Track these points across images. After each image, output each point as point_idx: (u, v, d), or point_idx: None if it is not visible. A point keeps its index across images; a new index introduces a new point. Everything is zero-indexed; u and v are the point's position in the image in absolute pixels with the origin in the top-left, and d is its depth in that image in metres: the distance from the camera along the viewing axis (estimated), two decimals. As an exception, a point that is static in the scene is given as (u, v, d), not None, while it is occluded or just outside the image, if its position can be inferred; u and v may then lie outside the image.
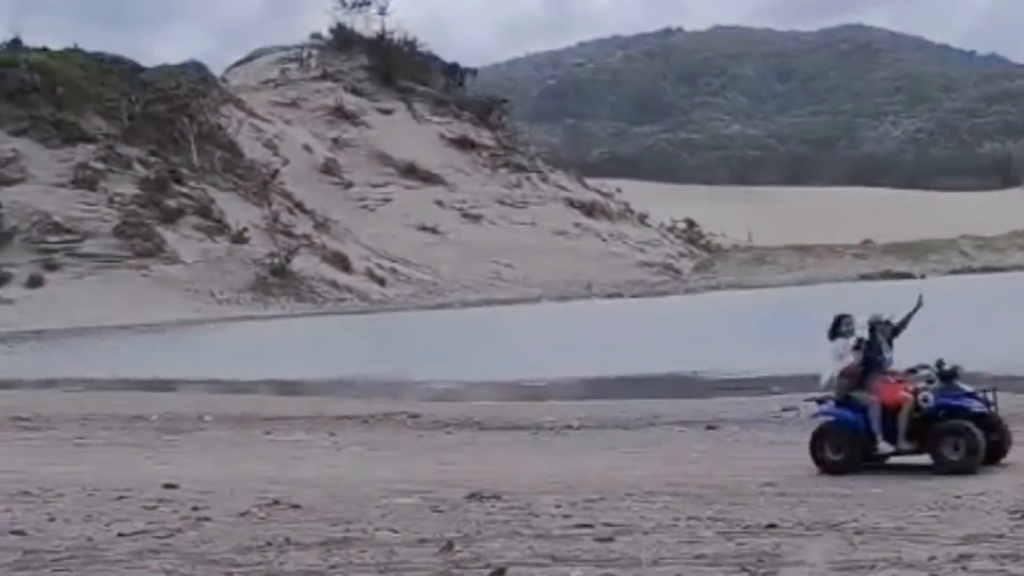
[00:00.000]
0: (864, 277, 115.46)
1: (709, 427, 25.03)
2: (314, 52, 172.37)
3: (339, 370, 47.84)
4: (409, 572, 11.04)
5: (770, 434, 23.73)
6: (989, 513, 12.89)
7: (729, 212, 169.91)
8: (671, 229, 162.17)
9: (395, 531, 13.22)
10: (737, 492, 15.49)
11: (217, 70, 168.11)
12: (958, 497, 14.01)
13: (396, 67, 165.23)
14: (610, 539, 12.20)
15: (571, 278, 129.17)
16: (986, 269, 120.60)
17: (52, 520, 14.94)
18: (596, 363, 44.40)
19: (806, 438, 21.38)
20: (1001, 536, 11.50)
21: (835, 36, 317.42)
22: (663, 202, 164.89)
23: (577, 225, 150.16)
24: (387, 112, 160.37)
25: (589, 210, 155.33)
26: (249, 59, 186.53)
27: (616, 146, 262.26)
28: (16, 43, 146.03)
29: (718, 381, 37.07)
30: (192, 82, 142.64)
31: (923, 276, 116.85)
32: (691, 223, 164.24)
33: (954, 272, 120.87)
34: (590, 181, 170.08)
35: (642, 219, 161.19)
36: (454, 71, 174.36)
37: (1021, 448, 18.15)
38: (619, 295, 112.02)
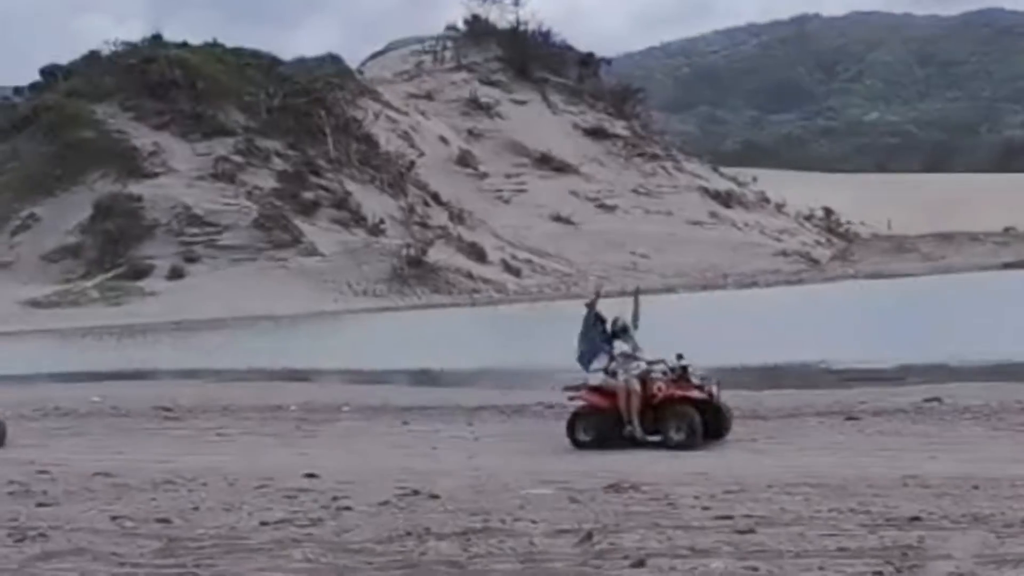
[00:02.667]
0: (1007, 265, 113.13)
1: (849, 418, 24.70)
2: (449, 44, 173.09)
3: (476, 360, 47.99)
4: (548, 563, 11.04)
5: (912, 425, 23.36)
6: None
7: (867, 200, 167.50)
8: (808, 218, 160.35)
9: (534, 521, 13.22)
10: (879, 484, 15.25)
11: (353, 63, 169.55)
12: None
13: (530, 58, 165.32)
14: (751, 531, 12.09)
15: (706, 268, 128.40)
16: None
17: (196, 509, 15.19)
18: (733, 353, 44.06)
19: (952, 429, 21.10)
20: None
21: (975, 20, 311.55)
22: (800, 190, 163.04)
23: (712, 215, 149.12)
24: (521, 103, 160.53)
25: (725, 199, 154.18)
26: (384, 51, 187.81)
27: (751, 134, 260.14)
28: (157, 39, 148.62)
29: (857, 371, 36.57)
30: (329, 75, 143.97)
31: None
32: (829, 211, 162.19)
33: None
34: (725, 170, 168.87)
35: (779, 208, 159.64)
36: (588, 61, 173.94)
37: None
38: (755, 284, 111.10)
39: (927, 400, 26.42)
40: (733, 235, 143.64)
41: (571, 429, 21.83)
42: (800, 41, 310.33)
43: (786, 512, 13.20)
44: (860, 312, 69.26)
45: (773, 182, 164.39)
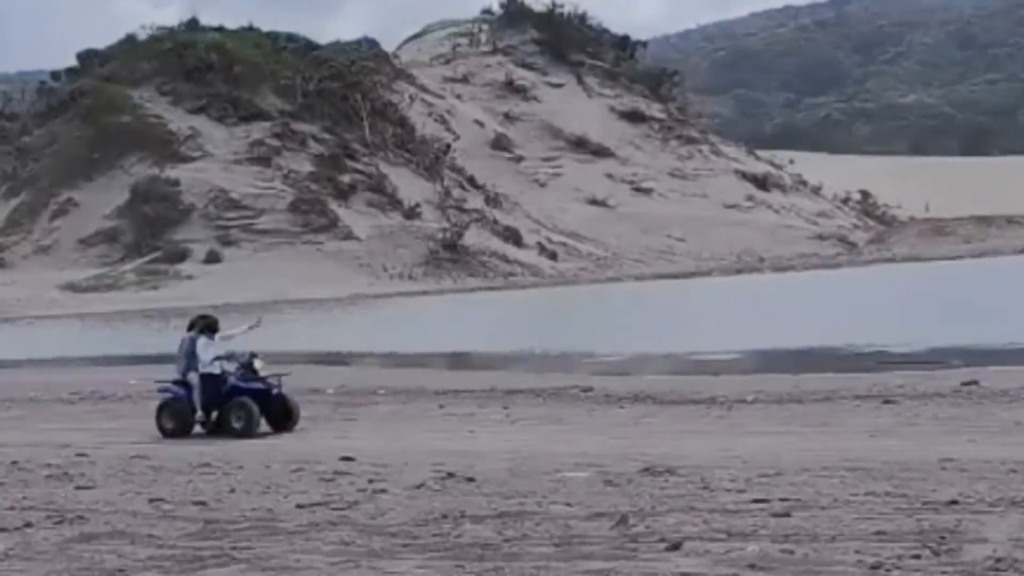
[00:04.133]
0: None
1: (886, 401, 24.63)
2: (484, 27, 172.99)
3: (512, 344, 48.04)
4: (584, 546, 11.03)
5: (950, 408, 23.27)
6: None
7: (905, 183, 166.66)
8: (845, 201, 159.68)
9: (569, 505, 13.23)
10: (916, 467, 15.20)
11: (389, 46, 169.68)
12: None
13: (566, 41, 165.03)
14: (787, 514, 12.06)
15: (743, 251, 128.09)
16: None
17: (232, 491, 15.26)
18: (770, 336, 43.99)
19: (989, 413, 21.00)
20: None
21: (1015, 1, 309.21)
22: (837, 173, 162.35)
23: (749, 198, 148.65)
24: (557, 86, 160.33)
25: (761, 182, 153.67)
26: (420, 35, 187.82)
27: (788, 117, 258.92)
28: (193, 23, 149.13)
29: (894, 355, 36.44)
30: (364, 59, 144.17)
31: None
32: (866, 194, 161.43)
33: None
34: (762, 153, 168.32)
35: (815, 191, 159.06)
36: (624, 44, 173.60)
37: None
38: (792, 268, 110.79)
39: (965, 384, 26.32)
40: (770, 218, 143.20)
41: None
42: (837, 23, 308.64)
43: (822, 495, 13.17)
44: (897, 296, 68.98)
45: (810, 165, 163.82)
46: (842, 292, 71.96)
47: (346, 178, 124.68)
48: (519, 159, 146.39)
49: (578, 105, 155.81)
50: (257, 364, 23.96)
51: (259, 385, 23.68)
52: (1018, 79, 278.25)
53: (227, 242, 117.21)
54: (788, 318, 52.90)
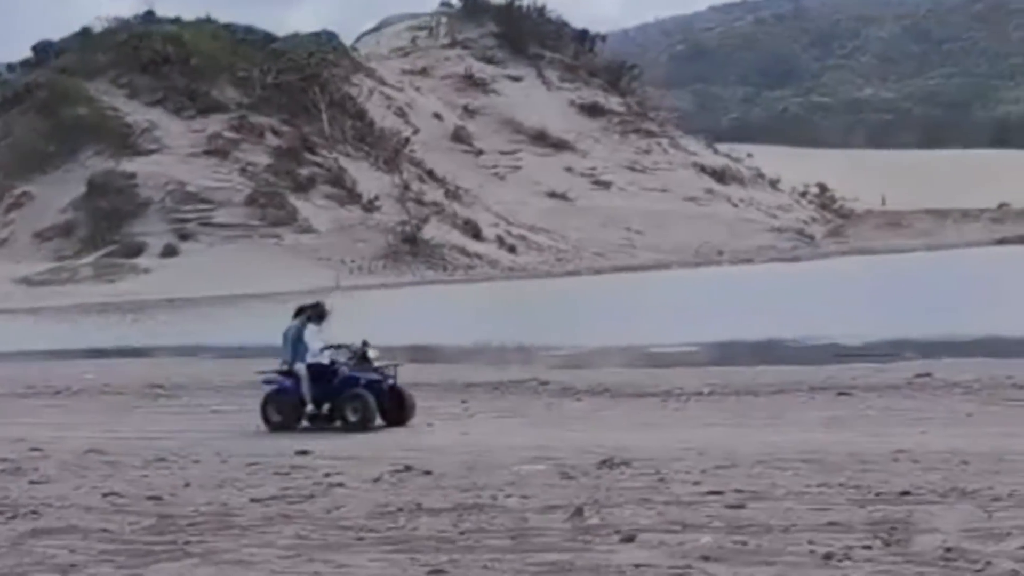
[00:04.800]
0: (1001, 241, 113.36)
1: (841, 393, 24.78)
2: (443, 20, 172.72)
3: (470, 337, 48.03)
4: (539, 538, 11.07)
5: (904, 400, 23.46)
6: None
7: (862, 176, 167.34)
8: (803, 194, 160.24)
9: (525, 497, 13.27)
10: (869, 459, 15.32)
11: (348, 39, 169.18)
12: (1098, 464, 13.75)
13: (525, 34, 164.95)
14: (741, 506, 12.14)
15: (702, 244, 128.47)
16: None
17: (187, 486, 15.23)
18: (727, 329, 44.15)
19: (943, 405, 21.14)
20: None
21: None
22: (795, 167, 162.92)
23: (708, 191, 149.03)
24: (517, 79, 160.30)
25: (720, 176, 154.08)
26: (379, 28, 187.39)
27: (747, 111, 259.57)
28: (149, 15, 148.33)
29: (849, 347, 36.67)
30: (323, 51, 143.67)
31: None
32: (823, 188, 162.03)
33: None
34: (721, 146, 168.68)
35: (773, 184, 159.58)
36: (583, 37, 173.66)
37: None
38: (750, 261, 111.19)
39: (919, 376, 26.53)
40: (728, 211, 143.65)
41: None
42: (795, 18, 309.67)
43: (776, 487, 13.26)
44: (854, 288, 69.33)
45: (768, 158, 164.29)
46: (799, 285, 72.28)
47: (305, 171, 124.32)
48: (478, 152, 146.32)
49: (537, 98, 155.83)
50: (371, 353, 22.79)
51: (375, 376, 22.53)
52: (973, 73, 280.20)
53: (184, 236, 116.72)
54: (745, 311, 53.10)
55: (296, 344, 22.69)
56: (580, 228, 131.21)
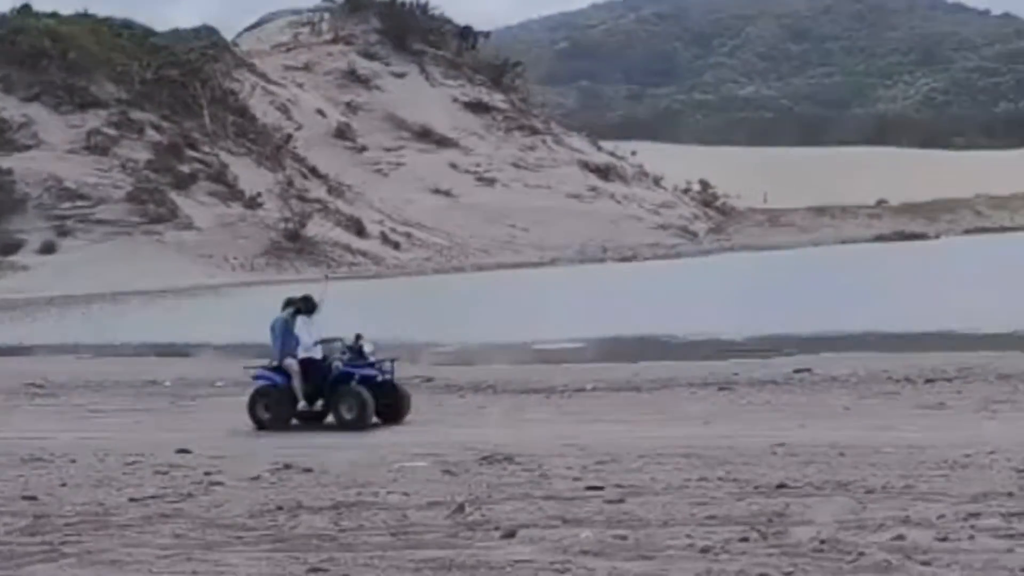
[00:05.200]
0: (879, 238, 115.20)
1: (722, 388, 25.04)
2: (325, 15, 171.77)
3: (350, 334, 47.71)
4: (420, 535, 11.06)
5: (783, 395, 23.76)
6: (998, 472, 12.88)
7: (744, 174, 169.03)
8: (686, 191, 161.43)
9: (407, 494, 13.25)
10: (748, 453, 15.50)
11: (229, 34, 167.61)
12: (968, 456, 14.01)
13: (408, 30, 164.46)
14: (621, 500, 12.21)
15: (586, 241, 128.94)
16: (1002, 228, 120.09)
17: (64, 485, 15.02)
18: (610, 325, 44.40)
19: (820, 399, 21.43)
20: (1010, 494, 11.50)
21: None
22: (678, 164, 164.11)
23: (592, 188, 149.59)
24: (400, 75, 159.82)
25: (604, 173, 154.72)
26: (260, 23, 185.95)
27: (630, 108, 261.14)
28: (26, 9, 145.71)
29: (730, 343, 37.05)
30: (204, 47, 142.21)
31: (937, 236, 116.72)
32: (706, 185, 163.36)
33: (968, 232, 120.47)
34: (604, 143, 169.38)
35: (657, 181, 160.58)
36: (467, 34, 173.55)
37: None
38: (634, 258, 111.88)
39: (798, 371, 26.88)
40: (612, 208, 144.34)
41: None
42: (677, 15, 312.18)
43: (657, 481, 13.36)
44: (735, 285, 70.01)
45: (651, 156, 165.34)
46: (682, 282, 72.83)
47: (186, 168, 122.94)
48: (362, 149, 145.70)
49: (421, 95, 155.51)
50: (367, 347, 21.91)
51: (370, 371, 21.60)
52: (852, 72, 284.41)
53: (63, 232, 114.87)
54: (628, 307, 53.40)
55: (285, 338, 21.74)
56: (464, 225, 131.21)
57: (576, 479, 13.85)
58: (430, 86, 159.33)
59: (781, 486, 12.55)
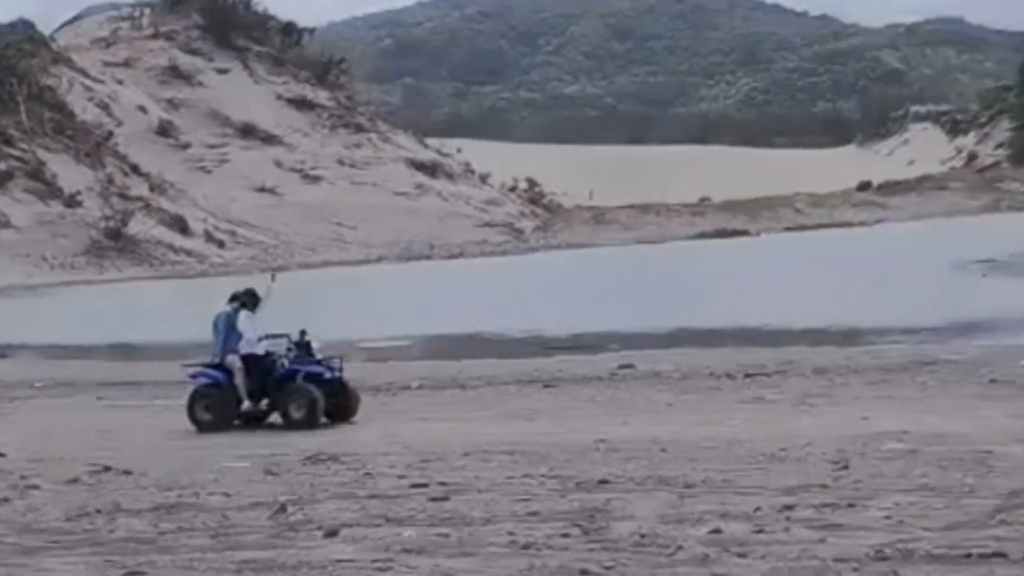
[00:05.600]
0: (702, 235, 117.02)
1: (546, 386, 25.21)
2: (146, 10, 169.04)
3: (174, 334, 47.14)
4: (241, 536, 10.96)
5: (607, 391, 23.99)
6: (813, 464, 13.17)
7: (570, 172, 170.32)
8: (512, 189, 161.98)
9: (228, 495, 13.12)
10: (571, 449, 15.62)
11: (46, 29, 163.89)
12: (784, 450, 14.29)
13: (231, 26, 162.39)
14: (444, 498, 12.23)
15: (413, 238, 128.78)
16: (820, 226, 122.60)
17: None
18: (436, 323, 44.43)
19: (643, 395, 21.68)
20: (824, 486, 11.76)
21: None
22: (504, 162, 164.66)
23: (418, 186, 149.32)
24: (223, 72, 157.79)
25: (431, 170, 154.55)
26: (78, 18, 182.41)
27: (456, 106, 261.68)
28: None
29: (555, 340, 37.31)
30: (19, 41, 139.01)
31: (758, 233, 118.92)
32: (532, 183, 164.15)
33: (788, 229, 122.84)
34: (431, 141, 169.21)
35: (483, 179, 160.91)
36: (291, 30, 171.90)
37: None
38: (461, 255, 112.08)
39: (621, 367, 27.17)
40: (439, 206, 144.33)
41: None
42: (502, 13, 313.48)
43: (480, 479, 13.40)
44: (561, 282, 70.55)
45: (478, 154, 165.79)
46: (508, 279, 73.17)
47: (2, 165, 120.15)
48: (184, 146, 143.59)
49: (244, 91, 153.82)
50: (314, 343, 21.10)
51: (317, 367, 20.80)
52: (675, 71, 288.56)
53: None
54: (455, 305, 53.49)
55: (228, 334, 20.91)
56: (290, 223, 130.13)
57: (400, 477, 13.85)
58: (254, 83, 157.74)
59: (603, 482, 12.67)
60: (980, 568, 8.51)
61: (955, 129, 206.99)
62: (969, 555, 8.83)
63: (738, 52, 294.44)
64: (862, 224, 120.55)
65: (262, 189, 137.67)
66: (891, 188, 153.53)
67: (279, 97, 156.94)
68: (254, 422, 20.66)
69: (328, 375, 20.88)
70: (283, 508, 11.95)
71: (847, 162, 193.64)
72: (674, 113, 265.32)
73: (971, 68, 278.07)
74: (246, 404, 20.58)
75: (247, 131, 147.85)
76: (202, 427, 20.37)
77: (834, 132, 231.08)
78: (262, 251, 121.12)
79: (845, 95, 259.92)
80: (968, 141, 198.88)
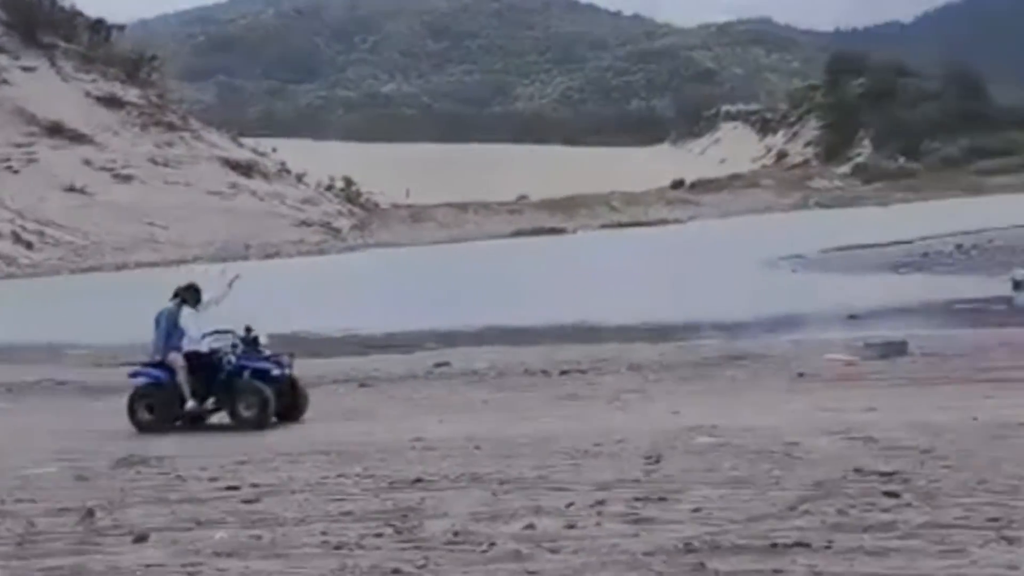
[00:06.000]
0: (518, 233, 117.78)
1: (362, 385, 25.15)
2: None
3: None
4: (47, 543, 10.71)
5: (424, 389, 24.02)
6: (626, 459, 13.31)
7: (387, 171, 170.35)
8: (329, 188, 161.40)
9: (35, 501, 12.82)
10: (387, 448, 15.60)
11: None
12: (597, 445, 14.42)
13: (37, 23, 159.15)
14: (256, 500, 12.12)
15: (228, 238, 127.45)
16: (635, 223, 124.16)
17: None
18: (252, 323, 43.95)
19: (459, 392, 21.71)
20: (636, 480, 11.89)
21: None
22: (321, 161, 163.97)
23: (233, 185, 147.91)
24: (30, 69, 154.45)
25: (246, 170, 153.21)
26: None
27: (271, 104, 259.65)
28: None
29: (371, 338, 37.27)
30: None
31: (575, 231, 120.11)
32: (349, 182, 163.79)
33: (604, 227, 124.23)
34: (246, 140, 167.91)
35: (300, 178, 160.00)
36: (99, 27, 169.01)
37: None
38: (277, 255, 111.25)
39: (437, 365, 27.22)
40: (255, 205, 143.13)
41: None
42: (317, 11, 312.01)
43: (294, 480, 13.31)
44: (378, 281, 70.44)
45: (294, 152, 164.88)
46: (325, 278, 72.80)
47: None
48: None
49: (52, 90, 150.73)
50: (263, 339, 20.33)
51: (265, 364, 19.86)
52: (492, 70, 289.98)
53: None
54: (272, 304, 53.00)
55: (171, 331, 20.05)
56: (100, 223, 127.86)
57: (212, 480, 13.68)
58: (62, 80, 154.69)
59: (417, 480, 12.66)
60: (783, 558, 8.69)
61: (765, 128, 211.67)
62: (774, 545, 9.00)
63: (553, 51, 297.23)
64: (676, 221, 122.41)
65: (71, 189, 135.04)
66: (704, 186, 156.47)
67: (88, 95, 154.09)
68: (198, 422, 19.98)
69: (277, 372, 20.04)
70: (91, 513, 11.72)
71: (661, 160, 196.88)
72: (491, 112, 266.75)
73: (780, 68, 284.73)
74: (190, 404, 19.83)
75: (55, 130, 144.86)
76: (143, 428, 19.57)
77: (648, 131, 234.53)
78: (72, 252, 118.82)
79: (659, 94, 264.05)
80: (778, 140, 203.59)
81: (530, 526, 10.13)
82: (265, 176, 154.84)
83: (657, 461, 13.01)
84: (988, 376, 21.03)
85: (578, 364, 26.54)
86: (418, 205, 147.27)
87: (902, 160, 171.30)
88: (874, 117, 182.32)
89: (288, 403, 19.92)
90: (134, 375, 20.49)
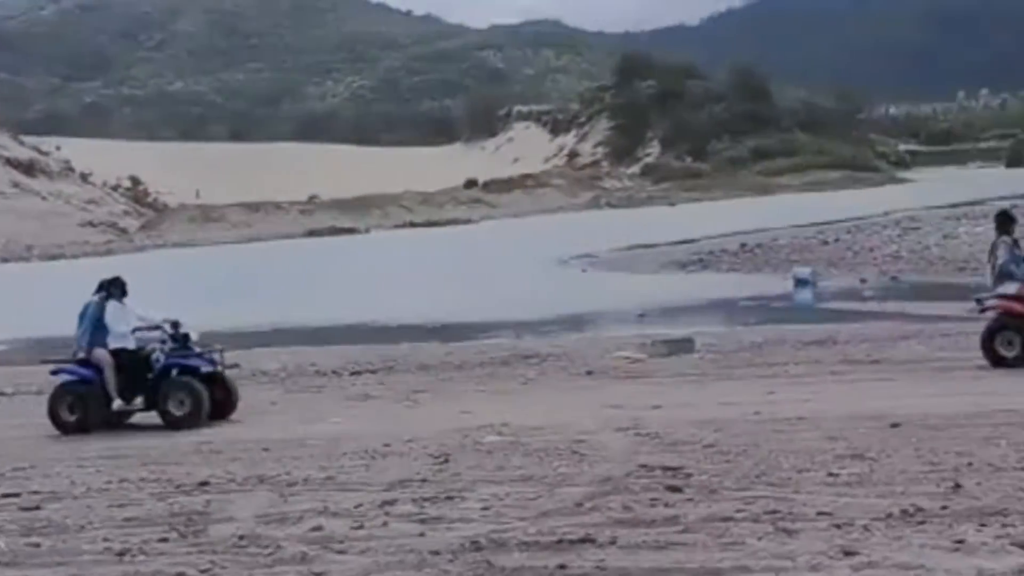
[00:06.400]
0: (311, 233, 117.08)
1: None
2: None
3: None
4: None
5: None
6: (415, 459, 13.34)
7: (175, 170, 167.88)
8: (115, 188, 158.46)
9: None
10: (174, 452, 15.42)
11: None
12: (387, 445, 14.42)
13: None
14: (37, 507, 11.84)
15: (10, 239, 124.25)
16: (428, 223, 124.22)
17: None
18: (30, 327, 43.02)
19: (246, 393, 21.48)
20: (424, 480, 11.92)
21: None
22: (106, 160, 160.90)
23: (15, 184, 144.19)
24: None
25: (27, 169, 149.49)
26: None
27: (54, 102, 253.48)
28: None
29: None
30: None
31: (367, 231, 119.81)
32: (136, 181, 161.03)
33: (397, 227, 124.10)
34: (27, 138, 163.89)
35: (84, 178, 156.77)
36: None
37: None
38: (62, 256, 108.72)
39: (229, 367, 26.83)
40: (38, 205, 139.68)
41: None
42: (101, 8, 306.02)
43: (76, 485, 13.05)
44: (167, 281, 69.28)
45: (78, 151, 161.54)
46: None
47: None
48: None
49: None
50: (193, 335, 19.00)
51: (196, 360, 18.72)
52: (281, 69, 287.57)
53: None
54: (46, 308, 51.79)
55: (96, 326, 18.79)
56: None
57: (-9, 488, 13.33)
58: None
59: (204, 484, 12.51)
60: (569, 553, 8.79)
61: (557, 128, 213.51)
62: (560, 541, 9.10)
63: (344, 50, 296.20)
64: (469, 221, 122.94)
65: None
66: (496, 186, 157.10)
67: None
68: (125, 421, 18.85)
69: (208, 369, 19.05)
70: None
71: (454, 160, 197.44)
72: (281, 111, 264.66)
73: (570, 69, 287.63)
74: (117, 403, 18.70)
75: None
76: (67, 429, 18.39)
77: (441, 131, 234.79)
78: None
79: (451, 94, 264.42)
80: (569, 140, 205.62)
81: (317, 528, 10.09)
82: (48, 175, 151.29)
83: (446, 460, 13.06)
84: (770, 372, 21.56)
85: (370, 364, 26.51)
86: (208, 205, 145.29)
87: (689, 160, 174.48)
88: (663, 118, 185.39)
89: (217, 400, 18.99)
90: (56, 372, 19.26)
